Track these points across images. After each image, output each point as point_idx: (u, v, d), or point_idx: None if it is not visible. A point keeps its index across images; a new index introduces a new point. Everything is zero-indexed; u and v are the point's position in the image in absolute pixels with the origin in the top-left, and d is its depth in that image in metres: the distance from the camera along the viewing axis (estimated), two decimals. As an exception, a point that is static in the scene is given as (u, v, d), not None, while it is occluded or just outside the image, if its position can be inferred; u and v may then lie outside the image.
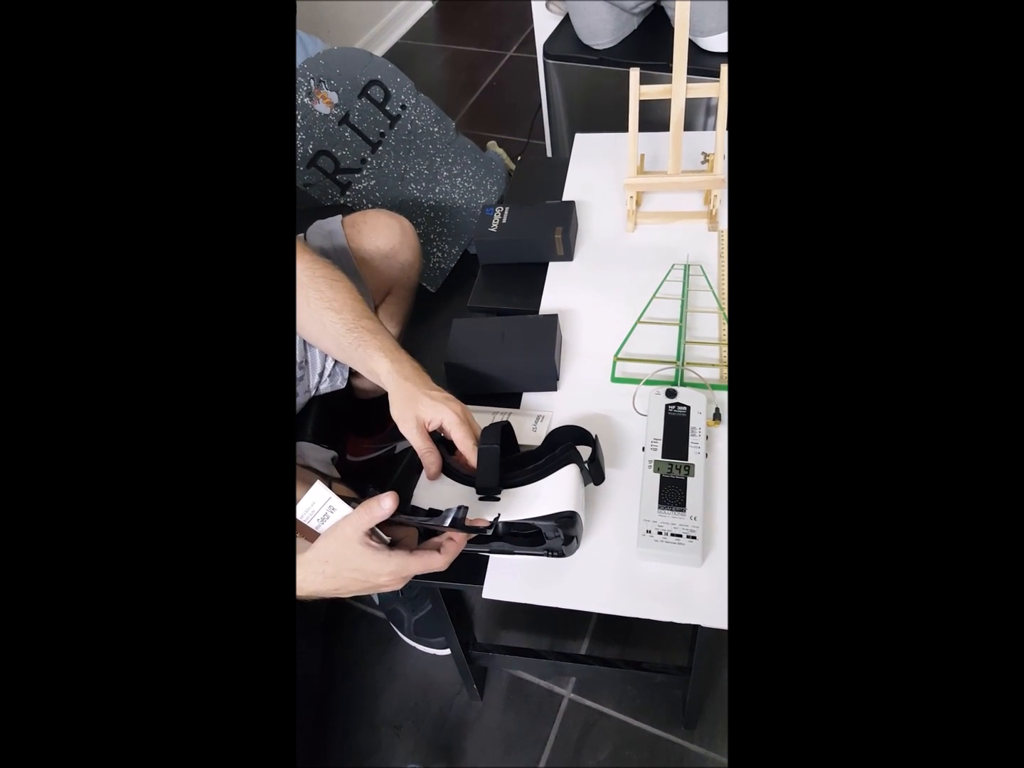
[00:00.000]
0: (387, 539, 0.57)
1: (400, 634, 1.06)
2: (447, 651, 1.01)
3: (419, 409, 0.64)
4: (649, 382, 0.72)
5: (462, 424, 0.64)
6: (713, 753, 0.90)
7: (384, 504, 0.53)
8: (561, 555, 0.62)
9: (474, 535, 0.59)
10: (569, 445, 0.65)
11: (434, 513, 0.58)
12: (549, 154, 1.63)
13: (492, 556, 0.65)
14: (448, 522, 0.54)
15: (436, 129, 1.44)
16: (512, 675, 1.00)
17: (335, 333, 0.71)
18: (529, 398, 0.77)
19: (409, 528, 0.61)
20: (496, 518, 0.58)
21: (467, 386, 0.77)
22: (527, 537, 0.62)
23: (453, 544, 0.58)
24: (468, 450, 0.64)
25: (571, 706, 0.97)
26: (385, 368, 0.68)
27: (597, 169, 1.03)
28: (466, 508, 0.55)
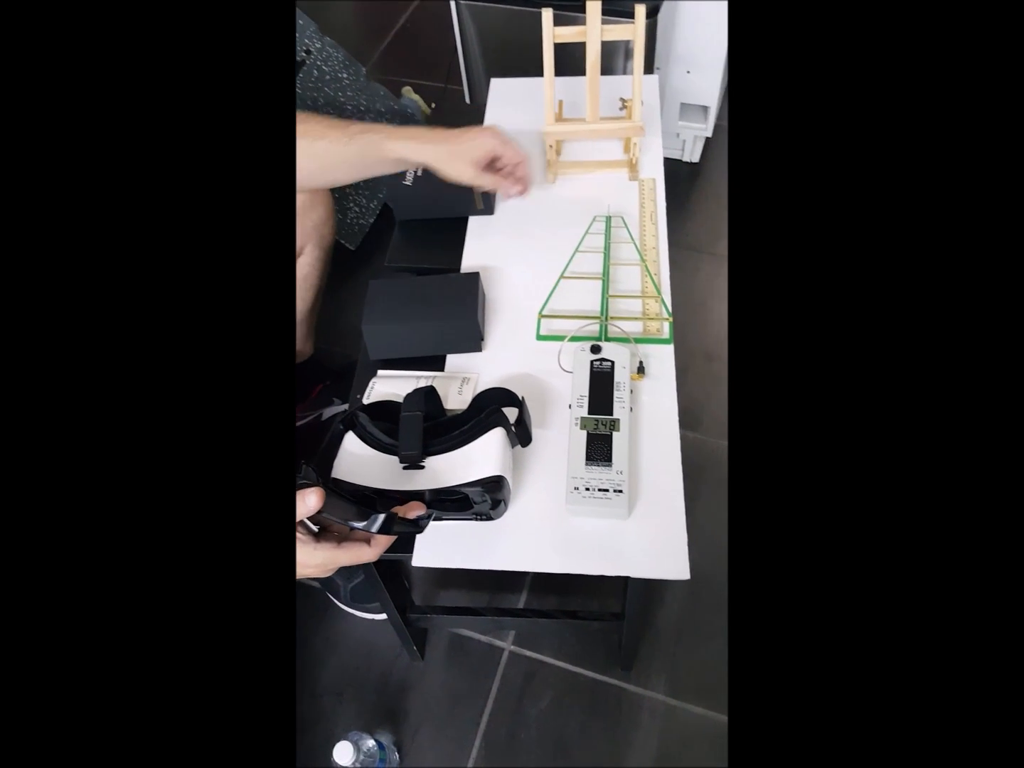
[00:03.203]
0: (314, 528, 0.55)
1: (337, 602, 1.04)
2: (385, 615, 1.00)
3: (470, 154, 0.69)
4: (574, 338, 0.72)
5: (504, 144, 0.71)
6: (649, 692, 0.93)
7: (308, 502, 0.50)
8: (489, 519, 0.61)
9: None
10: (495, 409, 0.64)
11: (363, 500, 0.55)
12: (468, 100, 1.57)
13: (421, 523, 0.63)
14: (376, 527, 0.52)
15: (345, 75, 1.36)
16: (453, 633, 1.01)
17: (339, 155, 0.71)
18: (454, 360, 0.75)
19: None
20: (428, 515, 0.57)
21: (388, 350, 0.74)
22: (454, 502, 0.61)
23: (384, 536, 0.56)
24: (523, 161, 0.73)
25: (512, 658, 0.99)
26: (408, 145, 0.70)
27: (515, 116, 0.99)
28: (395, 514, 0.54)
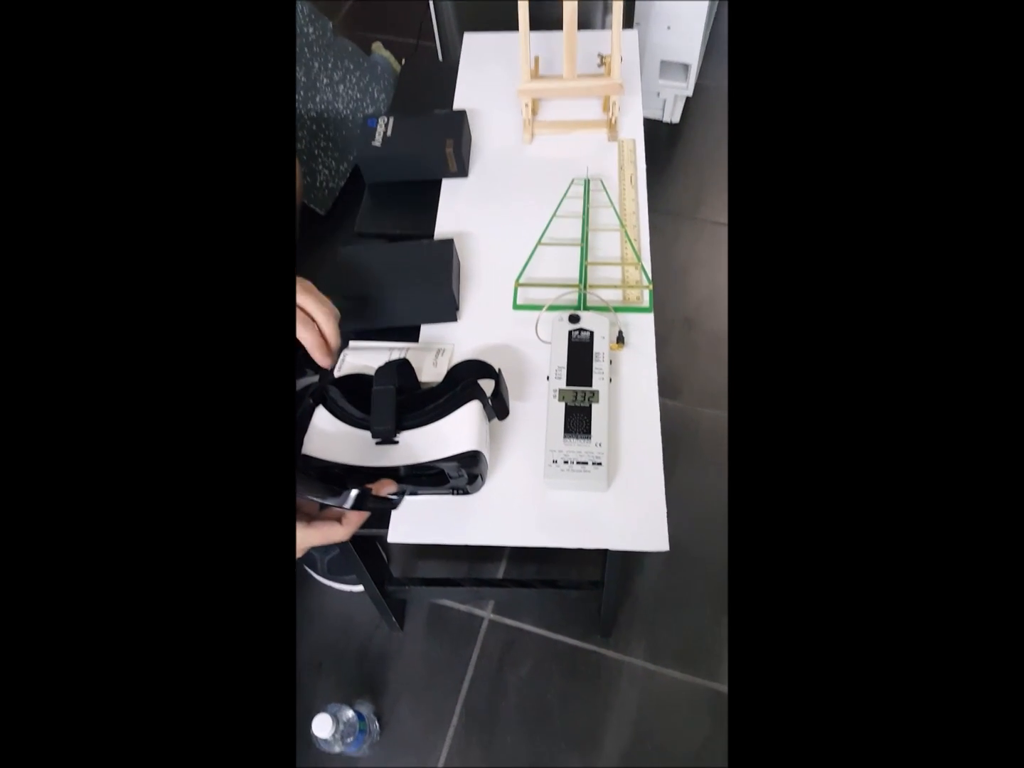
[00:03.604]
0: None
1: (314, 574, 1.03)
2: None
3: None
4: (552, 308, 0.69)
5: (308, 307, 0.58)
6: (628, 657, 0.94)
7: None
8: (466, 493, 0.60)
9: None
10: (471, 382, 0.62)
11: (332, 479, 0.54)
12: (441, 57, 1.51)
13: (396, 498, 0.62)
14: (349, 504, 0.51)
15: (311, 30, 1.30)
16: (432, 603, 1.01)
17: None
18: (428, 330, 0.72)
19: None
20: (401, 492, 0.55)
21: (360, 320, 0.71)
22: (430, 477, 0.60)
23: (356, 514, 0.54)
24: (322, 319, 0.58)
25: (491, 626, 0.99)
26: None
27: (490, 73, 0.95)
28: (368, 489, 0.52)
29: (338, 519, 0.54)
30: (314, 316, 0.59)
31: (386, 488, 0.56)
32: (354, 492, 0.52)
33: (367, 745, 0.87)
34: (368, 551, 0.82)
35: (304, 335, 0.59)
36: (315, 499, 0.52)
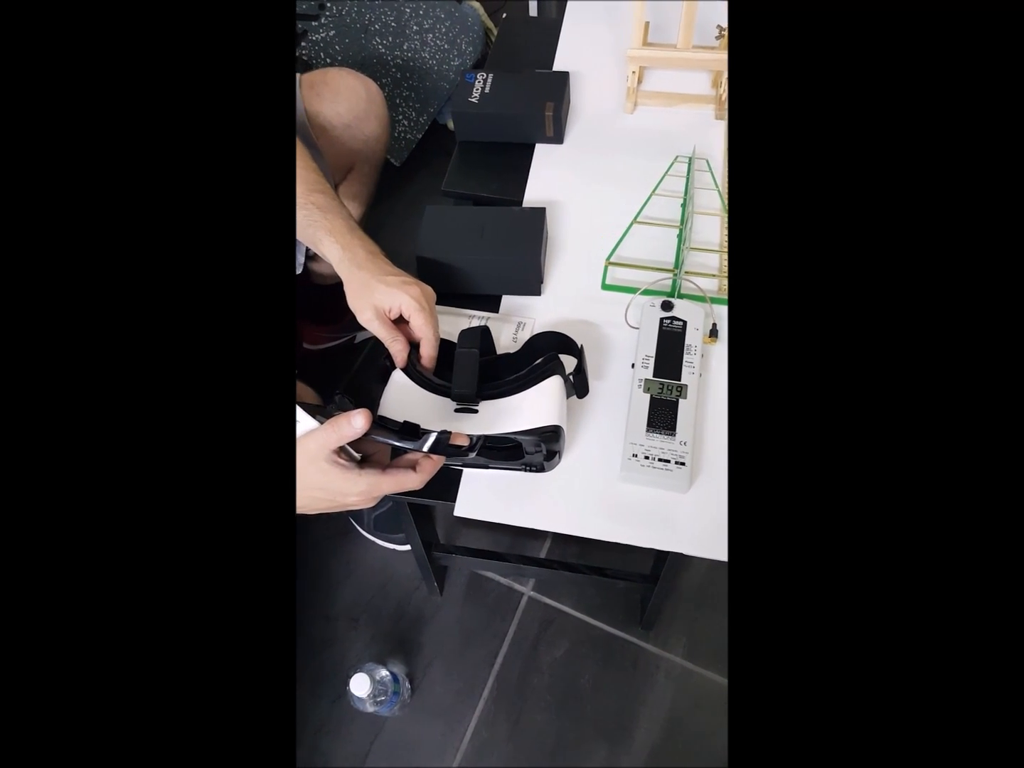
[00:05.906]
0: (356, 456, 0.52)
1: (359, 528, 1.04)
2: (407, 547, 0.99)
3: (375, 298, 0.59)
4: (646, 292, 0.66)
5: (420, 309, 0.58)
6: (668, 653, 0.92)
7: (355, 423, 0.48)
8: (541, 470, 0.58)
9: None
10: (553, 355, 0.59)
11: (409, 429, 0.52)
12: (533, 12, 1.46)
13: (465, 470, 0.60)
14: (427, 446, 0.49)
15: (406, -29, 1.25)
16: (473, 572, 1.00)
17: None
18: (509, 301, 0.70)
19: None
20: (478, 439, 0.53)
21: (440, 283, 0.69)
22: (504, 451, 0.58)
23: (430, 462, 0.53)
24: (428, 339, 0.59)
25: (530, 603, 0.98)
26: (336, 255, 0.61)
27: (593, 36, 0.91)
28: (449, 432, 0.50)
29: (412, 467, 0.53)
30: (421, 334, 0.59)
31: (461, 438, 0.54)
32: (433, 434, 0.51)
33: (398, 707, 0.88)
34: (420, 511, 0.81)
35: (397, 350, 0.59)
36: (392, 442, 0.52)
